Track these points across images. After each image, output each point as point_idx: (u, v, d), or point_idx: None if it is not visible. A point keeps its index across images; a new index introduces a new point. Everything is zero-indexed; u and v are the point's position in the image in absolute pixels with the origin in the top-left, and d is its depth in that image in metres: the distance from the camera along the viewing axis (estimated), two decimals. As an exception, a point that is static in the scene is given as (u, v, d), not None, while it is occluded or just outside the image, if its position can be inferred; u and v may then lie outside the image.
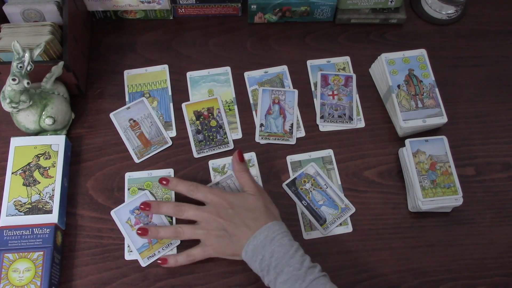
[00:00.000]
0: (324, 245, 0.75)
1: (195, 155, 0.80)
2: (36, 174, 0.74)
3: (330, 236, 0.75)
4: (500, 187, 0.79)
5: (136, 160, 0.80)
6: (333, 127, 0.83)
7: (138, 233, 0.71)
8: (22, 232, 0.70)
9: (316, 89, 0.86)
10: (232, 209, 0.69)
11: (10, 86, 0.69)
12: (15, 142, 0.76)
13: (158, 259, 0.72)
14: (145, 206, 0.71)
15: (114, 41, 0.90)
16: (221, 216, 0.69)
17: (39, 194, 0.73)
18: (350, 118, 0.83)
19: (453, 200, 0.74)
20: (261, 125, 0.83)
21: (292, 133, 0.82)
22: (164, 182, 0.73)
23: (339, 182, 0.79)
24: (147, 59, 0.88)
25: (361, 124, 0.83)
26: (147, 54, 0.89)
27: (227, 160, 0.80)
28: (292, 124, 0.83)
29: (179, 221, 0.74)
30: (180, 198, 0.77)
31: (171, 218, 0.76)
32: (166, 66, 0.87)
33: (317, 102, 0.85)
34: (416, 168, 0.75)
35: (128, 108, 0.84)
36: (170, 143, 0.81)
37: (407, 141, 0.77)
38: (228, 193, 0.72)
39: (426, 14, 0.93)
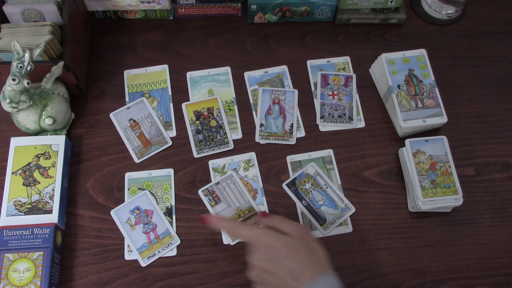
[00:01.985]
0: (324, 245, 0.74)
1: (195, 155, 0.80)
2: (36, 174, 0.74)
3: (330, 236, 0.75)
4: (500, 187, 0.79)
5: (136, 160, 0.80)
6: (333, 127, 0.83)
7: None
8: (22, 232, 0.70)
9: (316, 89, 0.86)
10: (273, 262, 0.62)
11: (10, 86, 0.69)
12: (15, 142, 0.76)
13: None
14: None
15: (114, 41, 0.90)
16: (264, 270, 0.62)
17: (39, 194, 0.73)
18: (350, 118, 0.83)
19: (453, 200, 0.74)
20: (261, 125, 0.83)
21: (292, 133, 0.82)
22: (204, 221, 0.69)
23: (339, 182, 0.79)
24: (147, 59, 0.88)
25: (361, 124, 0.83)
26: (147, 54, 0.89)
27: (227, 160, 0.80)
28: (292, 124, 0.83)
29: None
30: (179, 197, 0.77)
31: (171, 217, 0.76)
32: (166, 66, 0.87)
33: (317, 102, 0.85)
34: (416, 168, 0.75)
35: (128, 108, 0.84)
36: (170, 143, 0.81)
37: (407, 141, 0.77)
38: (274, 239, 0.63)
39: (426, 14, 0.93)
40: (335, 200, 0.77)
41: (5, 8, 0.79)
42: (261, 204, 0.77)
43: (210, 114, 0.83)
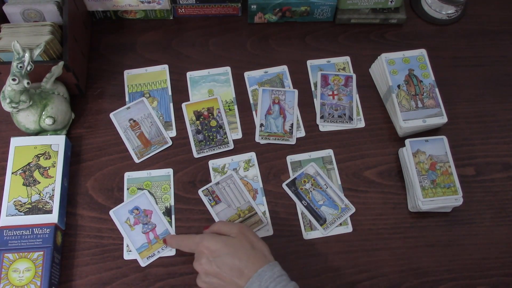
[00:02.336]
0: (324, 245, 0.75)
1: (195, 155, 0.80)
2: (36, 174, 0.74)
3: (330, 236, 0.75)
4: (500, 187, 0.79)
5: (136, 160, 0.80)
6: (333, 127, 0.83)
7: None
8: (22, 232, 0.70)
9: (316, 89, 0.86)
10: (215, 263, 0.63)
11: (10, 86, 0.69)
12: (15, 142, 0.76)
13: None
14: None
15: (114, 41, 0.90)
16: (209, 273, 0.63)
17: (39, 194, 0.73)
18: (350, 118, 0.83)
19: (453, 200, 0.74)
20: (261, 125, 0.83)
21: (292, 133, 0.82)
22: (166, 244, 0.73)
23: (339, 182, 0.79)
24: (147, 59, 0.88)
25: (361, 124, 0.83)
26: (147, 54, 0.89)
27: (227, 160, 0.80)
28: (292, 124, 0.83)
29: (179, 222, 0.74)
30: (179, 197, 0.77)
31: (170, 217, 0.76)
32: (166, 66, 0.87)
33: (317, 102, 0.85)
34: (416, 168, 0.75)
35: (128, 108, 0.84)
36: (170, 143, 0.81)
37: (407, 141, 0.77)
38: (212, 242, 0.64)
39: (426, 14, 0.93)
40: (335, 200, 0.77)
41: (5, 8, 0.79)
42: (261, 204, 0.77)
43: (210, 114, 0.83)
